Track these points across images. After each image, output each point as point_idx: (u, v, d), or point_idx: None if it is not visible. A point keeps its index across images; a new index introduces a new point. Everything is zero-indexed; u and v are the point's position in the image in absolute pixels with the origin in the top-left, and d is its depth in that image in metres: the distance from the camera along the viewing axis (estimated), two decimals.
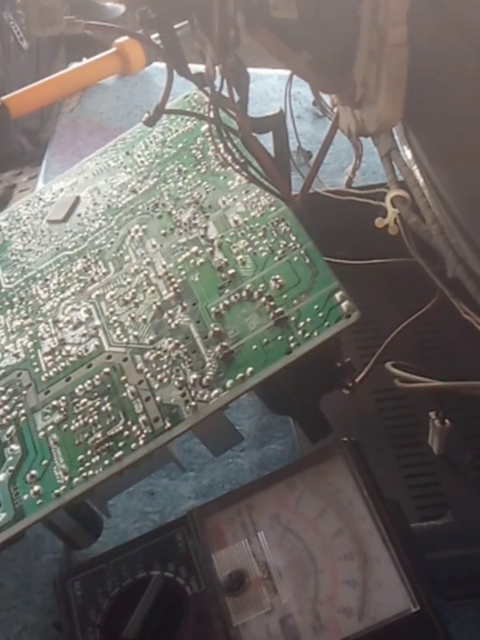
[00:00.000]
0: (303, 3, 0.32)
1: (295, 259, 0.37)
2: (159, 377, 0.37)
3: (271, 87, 0.79)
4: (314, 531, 0.34)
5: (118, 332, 0.40)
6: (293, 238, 0.38)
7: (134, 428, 0.36)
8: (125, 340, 0.39)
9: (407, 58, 0.30)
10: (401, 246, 0.44)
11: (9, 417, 0.40)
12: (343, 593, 0.32)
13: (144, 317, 0.40)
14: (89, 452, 0.36)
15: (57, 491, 0.36)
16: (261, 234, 0.39)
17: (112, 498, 0.40)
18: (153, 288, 0.41)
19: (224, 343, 0.36)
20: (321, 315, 0.34)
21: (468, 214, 0.33)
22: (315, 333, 0.34)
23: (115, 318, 0.41)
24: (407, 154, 0.39)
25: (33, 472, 0.37)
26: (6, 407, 0.41)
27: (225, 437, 0.38)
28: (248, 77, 0.38)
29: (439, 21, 0.30)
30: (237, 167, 0.39)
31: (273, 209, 0.40)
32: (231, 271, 0.39)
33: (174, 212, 0.44)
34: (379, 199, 0.44)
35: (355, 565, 0.33)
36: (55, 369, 0.41)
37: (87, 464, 0.36)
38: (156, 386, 0.37)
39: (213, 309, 0.38)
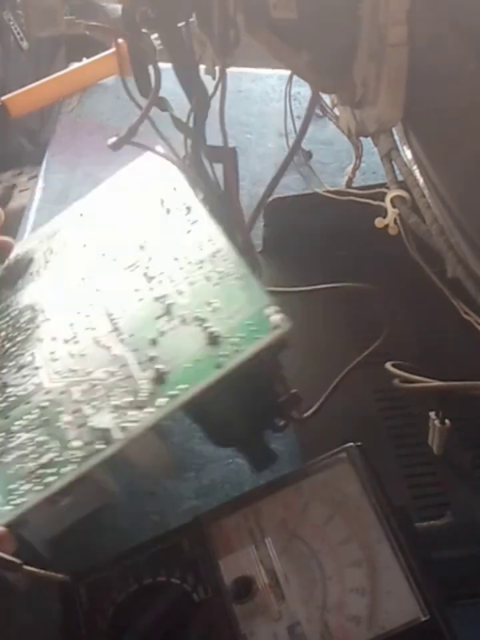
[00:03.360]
0: (303, 3, 0.32)
1: (230, 283, 0.38)
2: (93, 403, 0.38)
3: (270, 87, 0.79)
4: (321, 538, 0.34)
5: (58, 368, 0.41)
6: (230, 266, 0.39)
7: (66, 453, 0.36)
8: (64, 374, 0.40)
9: (407, 58, 0.30)
10: (401, 246, 0.44)
11: None
12: (351, 600, 0.32)
13: (82, 351, 0.41)
14: (21, 481, 0.37)
15: None
16: (198, 266, 0.41)
17: (51, 536, 0.41)
18: (94, 325, 0.42)
19: (158, 366, 0.37)
20: (253, 329, 0.35)
21: (468, 214, 0.33)
22: (247, 346, 0.35)
23: (57, 356, 0.42)
24: (407, 154, 0.39)
25: None
26: None
27: (159, 459, 0.40)
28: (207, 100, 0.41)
29: (438, 20, 0.30)
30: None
31: (210, 242, 0.41)
32: (169, 302, 0.40)
33: (119, 257, 0.45)
34: (378, 199, 0.44)
35: (364, 573, 0.33)
36: None
37: (18, 492, 0.36)
38: (90, 412, 0.37)
39: (149, 336, 0.39)
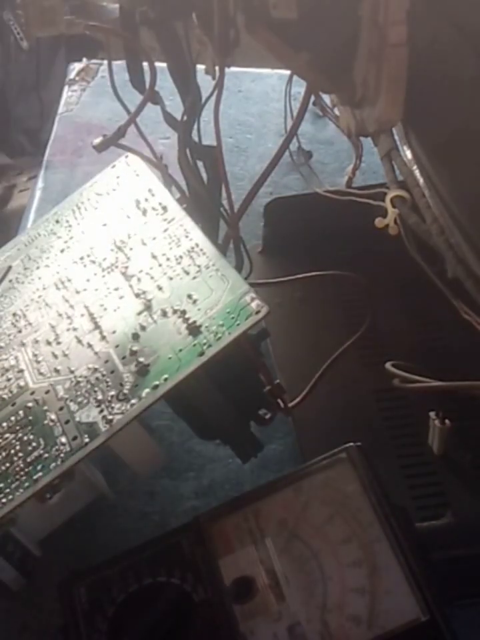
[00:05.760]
0: (303, 3, 0.32)
1: (209, 275, 0.39)
2: (78, 400, 0.38)
3: (271, 87, 0.79)
4: (321, 538, 0.34)
5: (42, 369, 0.41)
6: (207, 259, 0.40)
7: (53, 450, 0.37)
8: (48, 375, 0.41)
9: (407, 58, 0.30)
10: (401, 246, 0.44)
11: None
12: (351, 600, 0.32)
13: (66, 351, 0.41)
14: (9, 480, 0.37)
15: None
16: (176, 261, 0.41)
17: (43, 535, 0.41)
18: (75, 325, 0.42)
19: (140, 359, 0.37)
20: (232, 317, 0.36)
21: (468, 214, 0.33)
22: (227, 333, 0.35)
23: (40, 358, 0.42)
24: (407, 154, 0.39)
25: None
26: None
27: (147, 454, 0.41)
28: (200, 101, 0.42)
29: (438, 21, 0.31)
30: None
31: (187, 237, 0.42)
32: (149, 297, 0.40)
33: (98, 258, 0.46)
34: (378, 198, 0.44)
35: (364, 573, 0.33)
36: None
37: (7, 490, 0.36)
38: (75, 408, 0.38)
39: (131, 331, 0.39)
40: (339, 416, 0.47)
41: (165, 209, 0.45)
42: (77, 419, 0.37)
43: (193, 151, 0.45)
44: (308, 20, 0.33)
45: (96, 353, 0.40)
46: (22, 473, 0.37)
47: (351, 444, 0.37)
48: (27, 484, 0.36)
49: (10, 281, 0.51)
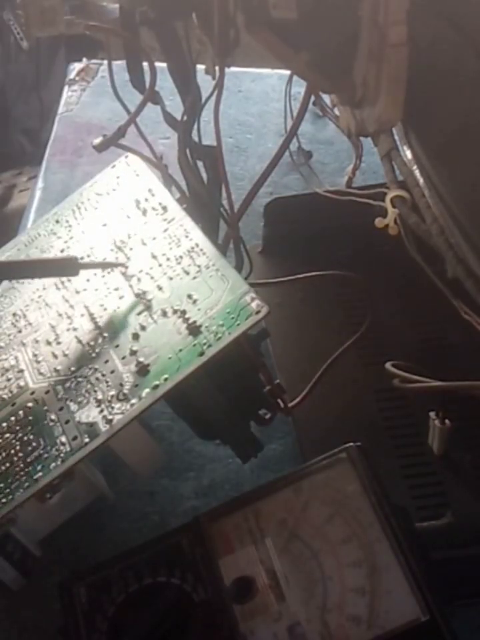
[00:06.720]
0: (303, 3, 0.32)
1: (209, 275, 0.39)
2: (78, 400, 0.38)
3: (271, 87, 0.79)
4: (321, 538, 0.34)
5: (42, 369, 0.41)
6: (207, 259, 0.40)
7: (53, 450, 0.37)
8: (48, 375, 0.41)
9: (407, 58, 0.30)
10: (401, 246, 0.44)
11: None
12: (351, 600, 0.32)
13: (66, 351, 0.41)
14: (9, 480, 0.37)
15: None
16: (176, 261, 0.41)
17: (43, 535, 0.41)
18: (75, 325, 0.42)
19: (140, 359, 0.37)
20: (232, 317, 0.36)
21: (468, 214, 0.33)
22: (227, 333, 0.35)
23: (40, 358, 0.42)
24: (407, 154, 0.39)
25: None
26: None
27: (147, 454, 0.41)
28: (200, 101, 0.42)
29: (438, 21, 0.31)
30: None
31: (187, 237, 0.42)
32: (149, 297, 0.40)
33: (98, 258, 0.46)
34: (378, 199, 0.44)
35: (364, 573, 0.33)
36: None
37: (7, 490, 0.36)
38: (75, 408, 0.38)
39: (131, 331, 0.39)
40: (339, 416, 0.47)
41: (165, 209, 0.45)
42: (77, 419, 0.37)
43: (193, 150, 0.45)
44: (308, 20, 0.33)
45: (96, 353, 0.40)
46: (22, 473, 0.37)
47: (351, 444, 0.37)
48: (27, 484, 0.36)
49: (10, 280, 0.51)
